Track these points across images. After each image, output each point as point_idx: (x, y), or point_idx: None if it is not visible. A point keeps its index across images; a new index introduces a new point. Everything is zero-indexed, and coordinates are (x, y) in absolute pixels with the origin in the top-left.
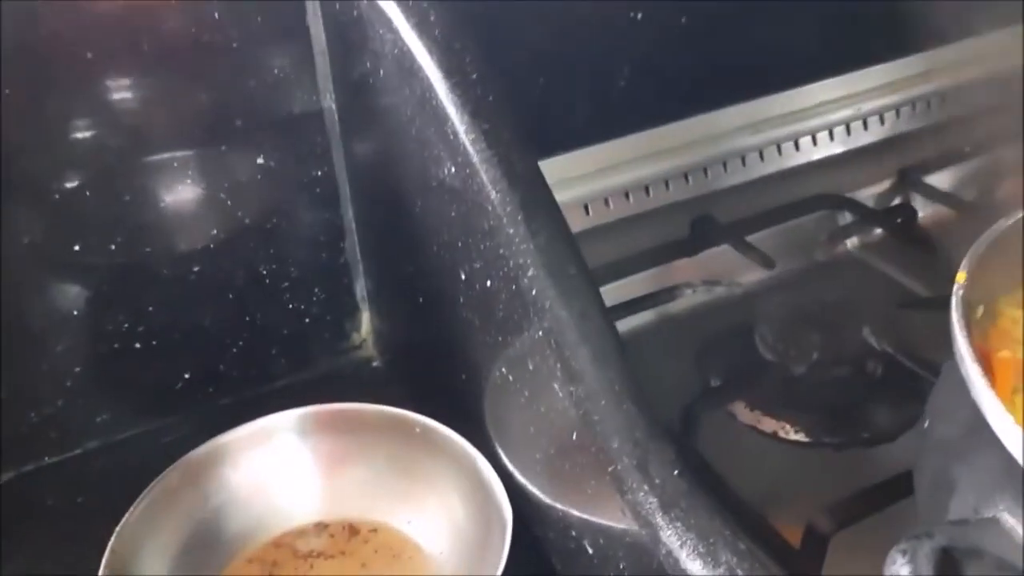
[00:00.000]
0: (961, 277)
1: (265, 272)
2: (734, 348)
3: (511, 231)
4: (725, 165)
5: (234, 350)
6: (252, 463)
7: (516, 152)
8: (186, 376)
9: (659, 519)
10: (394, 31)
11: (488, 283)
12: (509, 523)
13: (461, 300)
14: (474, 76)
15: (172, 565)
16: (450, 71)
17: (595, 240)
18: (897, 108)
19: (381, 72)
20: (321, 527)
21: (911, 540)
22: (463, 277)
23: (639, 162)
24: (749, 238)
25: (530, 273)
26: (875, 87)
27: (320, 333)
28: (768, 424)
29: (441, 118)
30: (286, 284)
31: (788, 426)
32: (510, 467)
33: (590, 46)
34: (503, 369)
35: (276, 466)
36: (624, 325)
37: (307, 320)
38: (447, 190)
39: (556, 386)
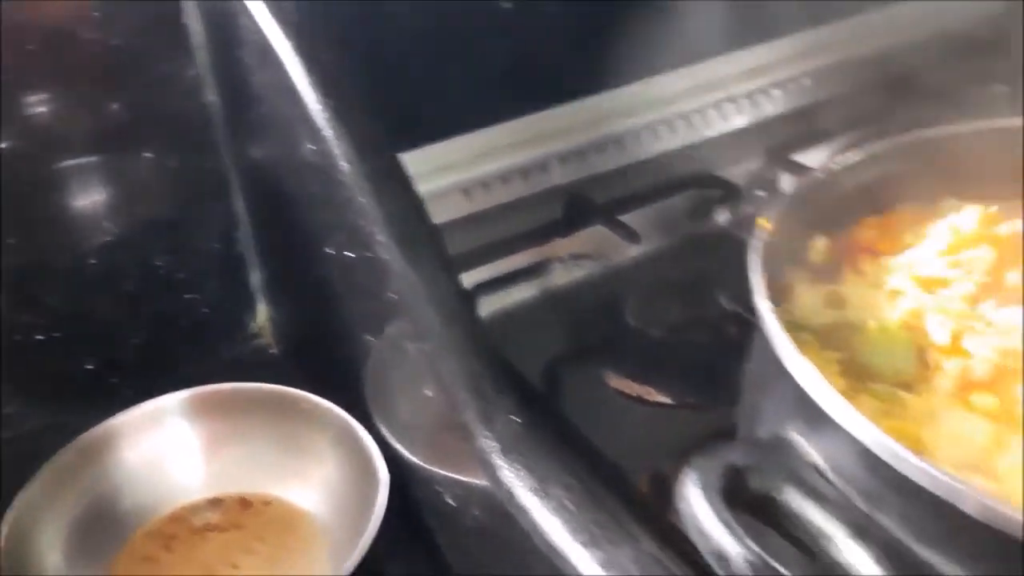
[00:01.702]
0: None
1: (160, 264)
2: (604, 319)
3: (363, 200)
4: (603, 148)
5: (135, 340)
6: (146, 442)
7: (365, 126)
8: (89, 367)
9: (499, 461)
10: (252, 19)
11: (350, 254)
12: (385, 486)
13: (335, 274)
14: (324, 57)
15: (71, 539)
16: (302, 52)
17: (476, 225)
18: (767, 90)
19: (249, 62)
20: (215, 502)
21: (703, 457)
22: (332, 252)
23: (517, 147)
24: (622, 217)
25: (381, 239)
26: (746, 70)
27: (218, 323)
28: (634, 388)
29: (298, 99)
30: (182, 275)
31: (652, 389)
32: (386, 434)
33: (465, 34)
34: (369, 336)
35: (169, 444)
36: (499, 300)
37: (205, 310)
38: (309, 167)
39: (410, 346)
